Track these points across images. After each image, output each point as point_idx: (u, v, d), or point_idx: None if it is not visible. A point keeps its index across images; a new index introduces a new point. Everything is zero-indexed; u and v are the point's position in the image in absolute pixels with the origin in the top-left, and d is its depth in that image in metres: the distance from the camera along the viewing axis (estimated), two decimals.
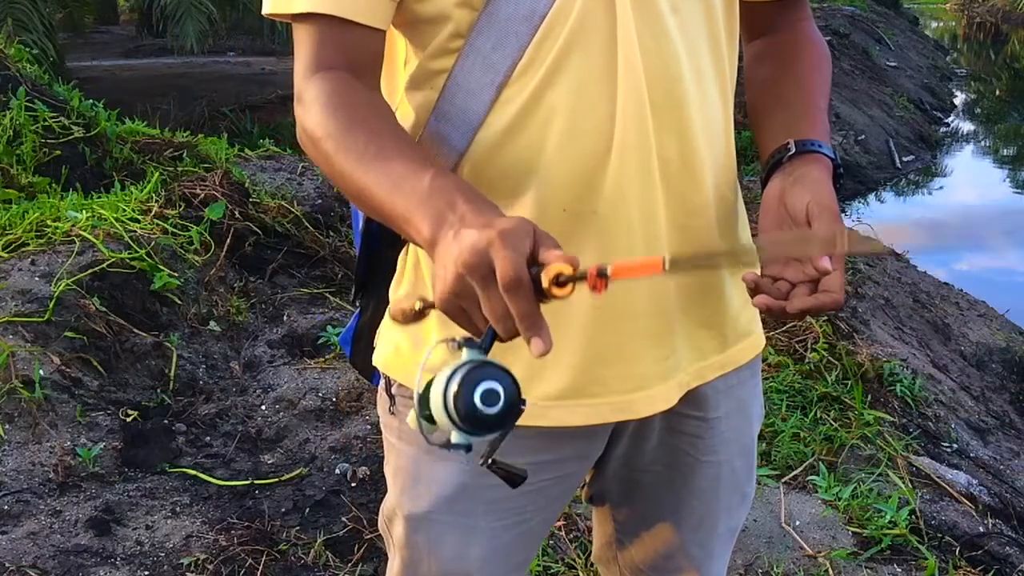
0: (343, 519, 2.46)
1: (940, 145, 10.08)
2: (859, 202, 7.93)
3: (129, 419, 2.82)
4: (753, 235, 1.15)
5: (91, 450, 2.61)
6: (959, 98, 12.81)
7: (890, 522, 2.49)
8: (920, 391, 3.33)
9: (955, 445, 3.20)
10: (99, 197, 3.69)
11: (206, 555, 2.30)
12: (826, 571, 2.34)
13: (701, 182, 1.08)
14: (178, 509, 2.49)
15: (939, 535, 2.55)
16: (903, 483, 2.69)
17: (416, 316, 0.90)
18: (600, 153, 1.02)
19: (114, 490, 2.54)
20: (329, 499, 2.55)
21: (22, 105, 4.07)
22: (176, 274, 3.33)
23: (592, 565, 2.03)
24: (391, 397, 1.18)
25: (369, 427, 2.84)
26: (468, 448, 0.84)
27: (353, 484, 2.61)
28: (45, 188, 3.87)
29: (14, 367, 2.73)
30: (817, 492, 2.64)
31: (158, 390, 3.01)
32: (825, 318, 3.49)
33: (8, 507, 2.41)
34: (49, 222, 3.36)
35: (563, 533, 2.39)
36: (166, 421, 2.88)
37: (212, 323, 3.36)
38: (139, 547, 2.33)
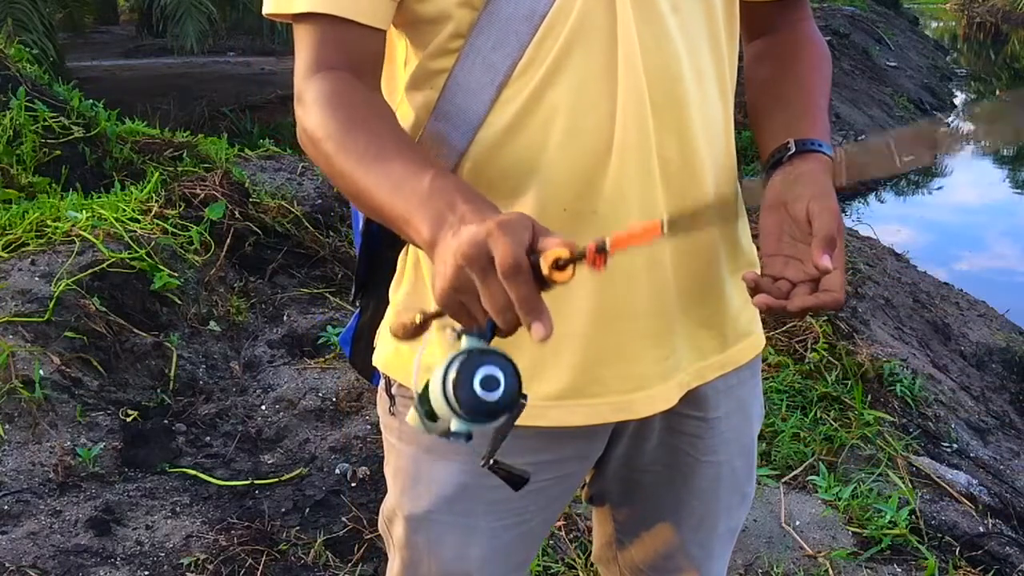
0: (343, 519, 2.46)
1: None
2: (859, 202, 7.94)
3: (129, 419, 2.82)
4: (753, 235, 1.15)
5: (91, 450, 2.61)
6: (959, 98, 12.81)
7: (890, 522, 2.49)
8: (920, 391, 3.33)
9: (955, 445, 3.20)
10: (99, 197, 3.69)
11: (206, 555, 2.30)
12: (826, 571, 2.34)
13: (701, 182, 1.08)
14: (178, 509, 2.49)
15: (939, 535, 2.55)
16: (903, 483, 2.69)
17: (417, 330, 0.89)
18: (600, 152, 1.02)
19: (114, 490, 2.53)
20: (329, 499, 2.55)
21: (22, 105, 4.07)
22: (176, 274, 3.33)
23: (592, 565, 2.03)
24: (391, 397, 1.18)
25: (369, 427, 2.84)
26: (468, 436, 0.82)
27: (353, 484, 2.61)
28: (45, 188, 3.87)
29: (14, 367, 2.73)
30: (817, 492, 2.64)
31: (158, 390, 3.01)
32: (825, 318, 3.49)
33: (8, 507, 2.41)
34: (49, 222, 3.36)
35: (563, 533, 2.39)
36: (166, 421, 2.88)
37: (212, 323, 3.36)
38: (139, 547, 2.33)
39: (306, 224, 3.96)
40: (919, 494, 2.68)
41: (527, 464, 0.95)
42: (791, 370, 3.22)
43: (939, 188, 8.81)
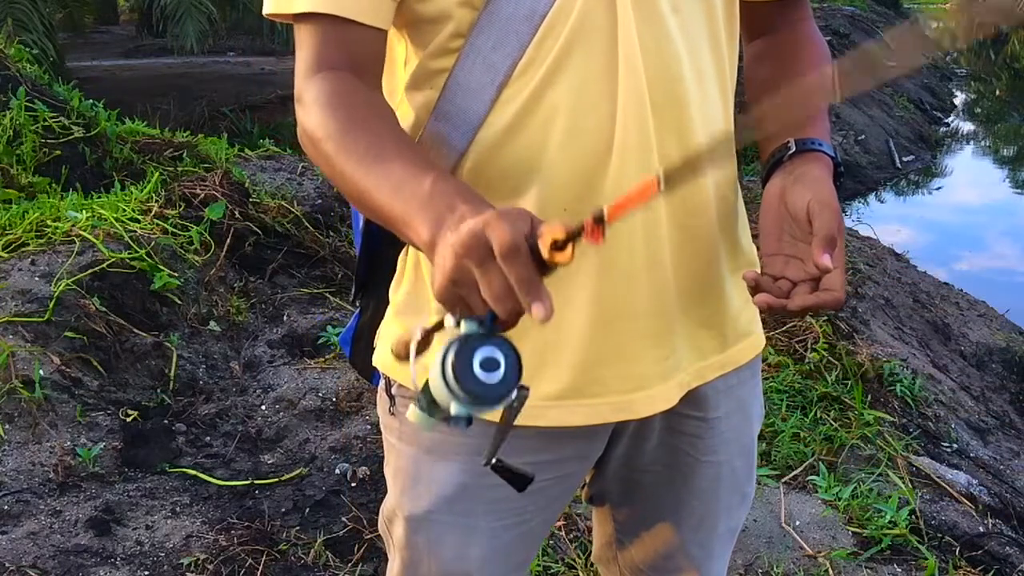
0: (343, 519, 2.46)
1: (940, 145, 10.09)
2: (859, 202, 7.94)
3: (129, 419, 2.82)
4: (753, 235, 1.15)
5: (91, 450, 2.61)
6: (959, 98, 12.82)
7: (890, 522, 2.49)
8: (920, 391, 3.33)
9: (955, 445, 3.20)
10: (99, 197, 3.69)
11: (206, 555, 2.30)
12: (826, 571, 2.34)
13: (702, 181, 1.08)
14: (178, 509, 2.49)
15: (939, 535, 2.55)
16: (903, 483, 2.69)
17: (419, 346, 0.88)
18: (601, 152, 1.02)
19: (114, 490, 2.53)
20: (329, 499, 2.55)
21: (22, 105, 4.07)
22: (176, 274, 3.33)
23: (592, 565, 2.03)
24: (391, 397, 1.18)
25: (369, 427, 2.84)
26: (469, 420, 0.81)
27: (353, 484, 2.61)
28: (45, 188, 3.87)
29: (14, 367, 2.73)
30: (817, 492, 2.64)
31: (158, 390, 3.01)
32: (825, 318, 3.49)
33: (8, 507, 2.41)
34: (49, 222, 3.37)
35: (563, 533, 2.39)
36: (166, 421, 2.88)
37: (212, 323, 3.36)
38: (139, 547, 2.33)
39: (306, 224, 3.96)
40: (919, 494, 2.68)
41: (527, 464, 0.95)
42: (791, 370, 3.22)
43: (939, 188, 8.82)
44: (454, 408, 0.80)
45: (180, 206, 3.69)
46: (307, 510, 2.51)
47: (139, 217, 3.50)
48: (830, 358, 3.29)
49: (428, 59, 1.04)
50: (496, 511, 1.16)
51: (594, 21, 1.00)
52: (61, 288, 3.00)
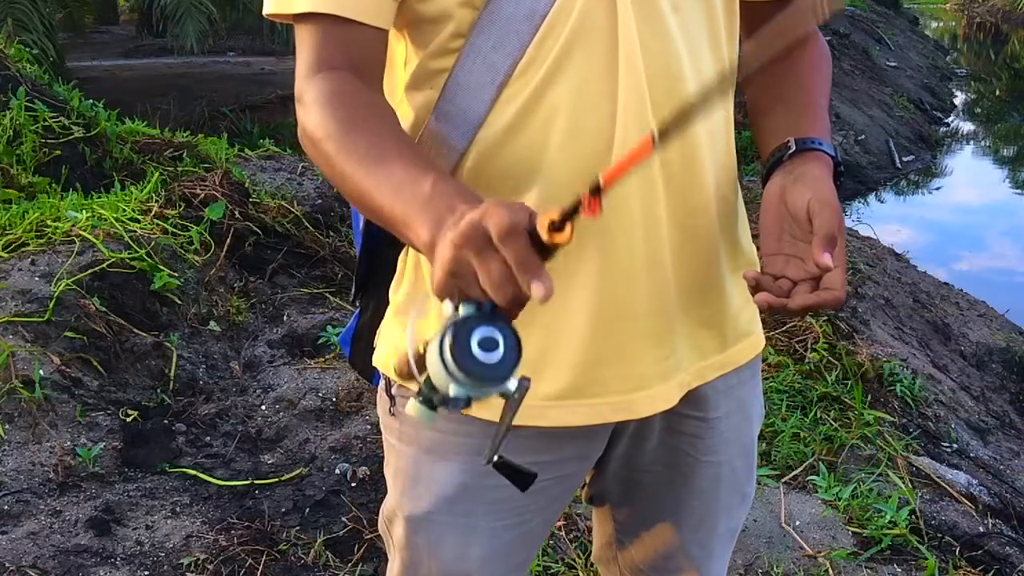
0: (343, 519, 2.46)
1: (940, 145, 10.09)
2: (859, 202, 7.94)
3: (129, 419, 2.82)
4: (753, 235, 1.15)
5: (91, 450, 2.61)
6: (959, 98, 12.81)
7: (890, 522, 2.49)
8: (920, 391, 3.33)
9: (955, 445, 3.20)
10: (99, 197, 3.69)
11: (206, 555, 2.30)
12: (826, 571, 2.34)
13: (702, 181, 1.08)
14: (178, 509, 2.49)
15: (939, 535, 2.55)
16: (903, 483, 2.69)
17: (420, 360, 0.85)
18: (601, 152, 1.02)
19: (114, 490, 2.53)
20: (329, 499, 2.55)
21: (22, 105, 4.07)
22: (176, 274, 3.33)
23: (592, 565, 2.03)
24: (391, 398, 1.18)
25: (369, 427, 2.84)
26: (467, 402, 0.80)
27: (353, 484, 2.61)
28: (45, 188, 3.87)
29: (14, 367, 2.73)
30: (817, 492, 2.64)
31: (158, 390, 3.01)
32: (825, 318, 3.49)
33: (8, 507, 2.41)
34: (49, 222, 3.37)
35: (563, 533, 2.39)
36: (166, 421, 2.88)
37: (212, 323, 3.36)
38: (139, 547, 2.33)
39: (306, 224, 3.96)
40: (919, 494, 2.68)
41: (528, 464, 0.95)
42: (791, 370, 3.22)
43: (939, 188, 8.81)
44: (452, 390, 0.79)
45: (180, 206, 3.69)
46: (307, 510, 2.51)
47: (139, 217, 3.50)
48: (830, 358, 3.29)
49: (428, 59, 1.04)
50: (496, 511, 1.15)
51: (594, 21, 1.00)
52: (61, 288, 3.00)
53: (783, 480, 2.69)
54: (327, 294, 3.68)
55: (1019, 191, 9.29)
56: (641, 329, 1.09)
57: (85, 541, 2.32)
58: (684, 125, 0.77)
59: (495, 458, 0.88)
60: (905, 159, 8.89)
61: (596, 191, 0.76)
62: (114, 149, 4.35)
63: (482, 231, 0.78)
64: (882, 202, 8.21)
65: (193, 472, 2.64)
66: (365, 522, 2.42)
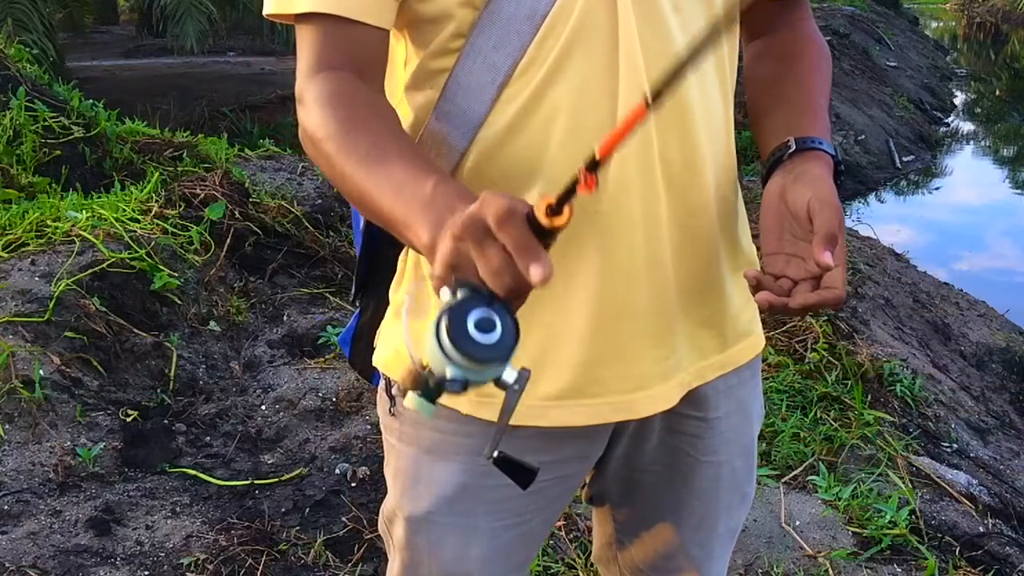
0: (343, 519, 2.46)
1: (940, 145, 10.09)
2: (859, 202, 7.94)
3: (129, 419, 2.82)
4: (753, 235, 1.15)
5: (91, 450, 2.61)
6: (959, 98, 12.81)
7: (890, 522, 2.49)
8: (920, 391, 3.33)
9: (955, 445, 3.20)
10: (99, 197, 3.69)
11: (206, 555, 2.30)
12: (826, 571, 2.34)
13: (702, 181, 1.08)
14: (178, 509, 2.49)
15: (939, 535, 2.55)
16: (903, 483, 2.69)
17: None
18: None
19: (114, 490, 2.53)
20: (329, 499, 2.55)
21: (22, 105, 4.07)
22: (176, 274, 3.33)
23: (592, 565, 2.03)
24: (391, 398, 1.18)
25: (369, 427, 2.84)
26: (464, 385, 0.79)
27: (353, 484, 2.61)
28: (45, 188, 3.87)
29: (14, 367, 2.73)
30: (817, 492, 2.64)
31: (158, 390, 3.01)
32: (825, 318, 3.49)
33: (8, 507, 2.41)
34: (49, 222, 3.37)
35: (563, 533, 2.39)
36: (166, 421, 2.88)
37: (212, 323, 3.36)
38: (139, 547, 2.33)
39: (306, 224, 3.96)
40: (919, 494, 2.68)
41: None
42: (791, 370, 3.22)
43: (939, 188, 8.81)
44: (449, 372, 0.78)
45: (180, 206, 3.69)
46: (307, 510, 2.51)
47: (139, 217, 3.50)
48: (830, 358, 3.29)
49: (428, 59, 1.04)
50: (496, 511, 1.15)
51: (595, 20, 1.00)
52: (61, 288, 3.00)
53: (783, 480, 2.69)
54: (327, 294, 3.68)
55: (1019, 191, 9.29)
56: (641, 329, 1.08)
57: (85, 541, 2.32)
58: (675, 84, 0.77)
59: (495, 454, 0.87)
60: (905, 159, 8.89)
61: (593, 166, 0.75)
62: (114, 149, 4.35)
63: (480, 221, 0.78)
64: (882, 202, 8.21)
65: (193, 472, 2.64)
66: (365, 522, 2.42)
